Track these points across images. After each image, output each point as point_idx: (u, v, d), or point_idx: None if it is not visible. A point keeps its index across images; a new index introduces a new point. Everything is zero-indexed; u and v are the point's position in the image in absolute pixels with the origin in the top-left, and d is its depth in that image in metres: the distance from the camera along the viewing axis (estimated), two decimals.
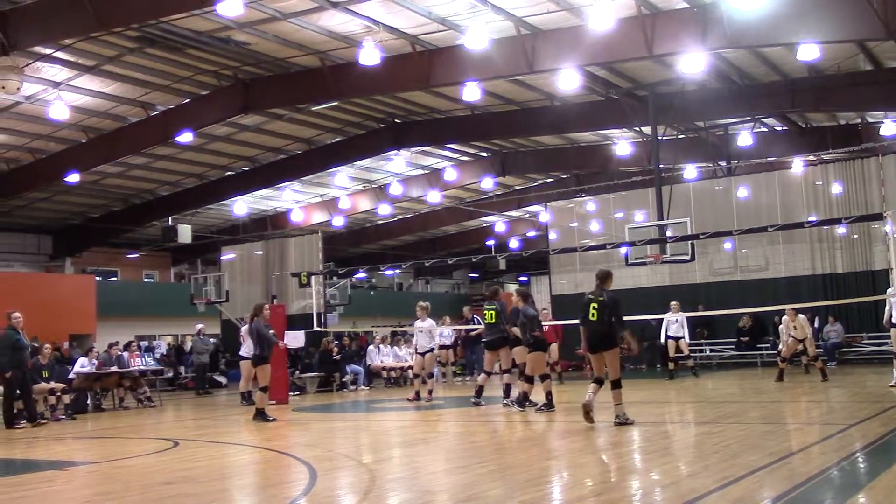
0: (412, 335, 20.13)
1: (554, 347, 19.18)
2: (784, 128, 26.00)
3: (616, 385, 10.52)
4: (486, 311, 14.42)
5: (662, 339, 19.81)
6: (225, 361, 26.66)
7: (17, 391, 14.16)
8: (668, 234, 20.47)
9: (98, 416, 16.85)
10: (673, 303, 19.82)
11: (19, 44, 16.36)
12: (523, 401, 13.04)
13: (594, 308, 10.60)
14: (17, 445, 12.05)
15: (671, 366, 19.57)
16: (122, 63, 18.90)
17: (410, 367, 22.12)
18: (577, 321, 11.31)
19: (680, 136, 25.61)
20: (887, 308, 14.76)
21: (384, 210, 34.26)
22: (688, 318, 19.84)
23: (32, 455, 11.14)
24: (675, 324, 19.44)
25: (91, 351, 18.30)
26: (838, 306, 21.01)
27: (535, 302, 14.09)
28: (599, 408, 10.57)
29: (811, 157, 25.57)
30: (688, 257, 20.51)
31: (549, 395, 12.78)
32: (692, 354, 20.65)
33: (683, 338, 19.52)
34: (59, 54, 18.01)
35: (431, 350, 16.63)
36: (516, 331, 13.36)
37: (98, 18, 15.51)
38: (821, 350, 19.82)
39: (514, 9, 16.96)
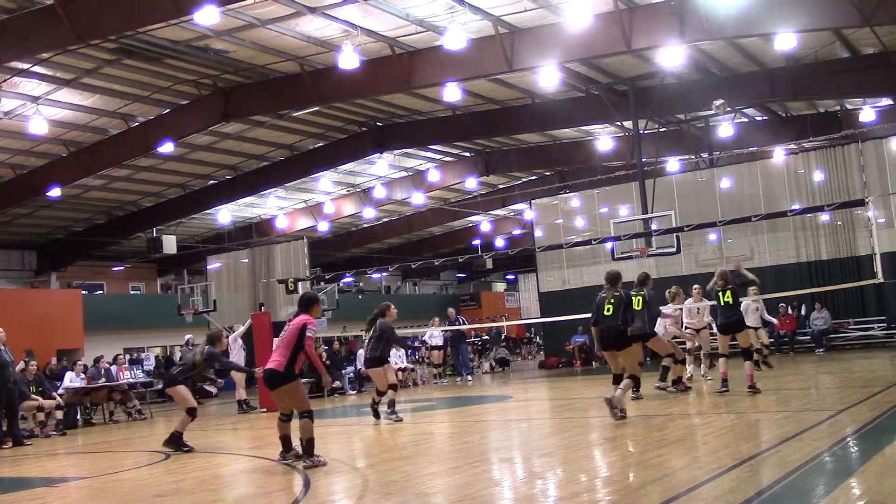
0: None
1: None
2: (764, 117, 26.15)
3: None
4: (636, 299, 12.37)
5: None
6: (214, 371, 26.52)
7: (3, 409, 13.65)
8: (653, 227, 20.55)
9: (88, 430, 16.76)
10: (695, 286, 16.69)
11: None
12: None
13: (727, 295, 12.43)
14: (7, 463, 11.95)
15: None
16: (101, 75, 18.81)
17: (402, 370, 22.19)
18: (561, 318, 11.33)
19: (661, 130, 25.72)
20: None
21: (369, 213, 34.28)
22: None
23: (23, 472, 11.04)
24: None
25: (77, 364, 18.16)
26: (824, 293, 21.13)
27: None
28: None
29: (792, 146, 25.70)
30: (673, 250, 20.59)
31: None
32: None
33: (761, 327, 17.40)
34: (37, 68, 17.88)
35: None
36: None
37: (75, 31, 15.38)
38: (807, 337, 19.90)
39: (491, 8, 17.00)
